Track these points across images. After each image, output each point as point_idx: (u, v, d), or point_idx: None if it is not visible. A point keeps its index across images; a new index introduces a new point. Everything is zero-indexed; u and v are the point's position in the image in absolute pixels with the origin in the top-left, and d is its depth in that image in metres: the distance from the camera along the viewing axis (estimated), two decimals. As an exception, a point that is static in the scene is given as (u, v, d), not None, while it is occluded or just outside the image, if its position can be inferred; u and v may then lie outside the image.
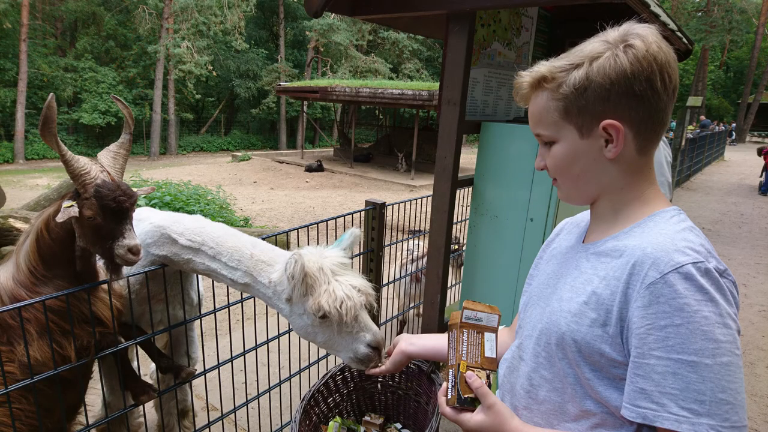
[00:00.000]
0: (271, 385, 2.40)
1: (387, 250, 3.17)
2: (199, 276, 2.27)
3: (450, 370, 1.09)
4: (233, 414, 2.43)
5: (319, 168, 18.18)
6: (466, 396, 1.02)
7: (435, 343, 1.46)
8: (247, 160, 21.22)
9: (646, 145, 0.96)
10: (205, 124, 30.27)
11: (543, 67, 0.97)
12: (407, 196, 13.29)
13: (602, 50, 0.92)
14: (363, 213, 2.52)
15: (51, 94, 1.50)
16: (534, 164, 1.44)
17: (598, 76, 0.91)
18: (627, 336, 0.89)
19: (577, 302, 0.97)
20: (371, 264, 2.54)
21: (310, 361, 2.58)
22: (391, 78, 27.85)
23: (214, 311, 2.11)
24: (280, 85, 19.35)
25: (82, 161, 1.58)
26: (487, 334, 1.12)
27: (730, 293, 0.87)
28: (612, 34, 0.94)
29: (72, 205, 1.56)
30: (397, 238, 4.74)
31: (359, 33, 28.34)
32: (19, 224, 5.98)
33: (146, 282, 1.96)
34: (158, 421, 2.33)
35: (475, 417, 1.00)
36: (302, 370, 2.50)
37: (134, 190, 1.65)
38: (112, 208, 1.56)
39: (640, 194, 1.00)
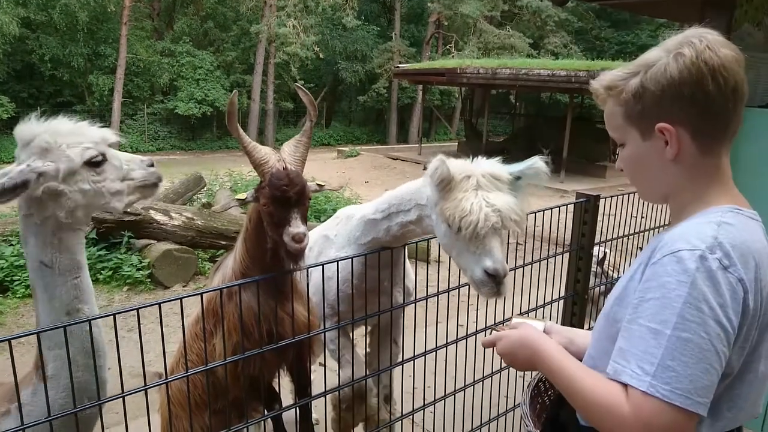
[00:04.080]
0: (456, 388, 2.84)
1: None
2: (408, 267, 2.81)
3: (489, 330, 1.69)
4: (419, 413, 2.91)
5: (442, 166, 18.67)
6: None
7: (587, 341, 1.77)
8: (355, 156, 22.39)
9: (710, 145, 1.26)
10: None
11: (608, 77, 1.34)
12: (556, 203, 13.24)
13: (658, 58, 1.25)
14: (572, 207, 2.92)
15: (234, 91, 2.05)
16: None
17: (651, 83, 1.24)
18: None
19: (621, 286, 1.36)
20: (579, 263, 2.94)
21: (501, 366, 2.99)
22: (530, 55, 27.75)
23: (425, 298, 2.63)
24: (398, 67, 20.27)
25: (263, 152, 2.03)
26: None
27: (728, 287, 1.14)
28: (671, 41, 1.26)
29: (244, 197, 2.05)
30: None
31: (492, 2, 28.62)
32: (158, 216, 7.18)
33: (364, 273, 2.50)
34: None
35: (505, 331, 1.53)
36: (491, 375, 2.89)
37: (305, 180, 2.01)
38: (278, 197, 1.92)
39: (702, 194, 1.29)
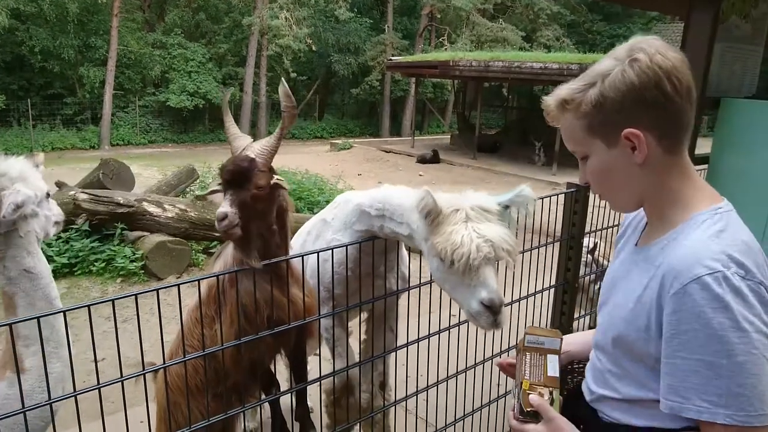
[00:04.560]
0: (449, 375, 2.89)
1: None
2: (404, 253, 2.85)
3: (515, 388, 1.50)
4: (411, 401, 2.96)
5: (434, 159, 18.77)
6: (528, 410, 1.41)
7: (587, 338, 1.78)
8: (348, 149, 22.42)
9: (673, 144, 1.30)
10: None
11: (563, 91, 1.35)
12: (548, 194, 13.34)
13: (612, 67, 1.28)
14: (563, 197, 2.96)
15: (231, 88, 2.13)
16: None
17: (611, 91, 1.27)
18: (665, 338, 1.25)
19: (627, 308, 1.35)
20: (570, 252, 2.98)
21: (493, 354, 3.04)
22: (522, 48, 27.82)
23: (419, 285, 2.67)
24: (390, 60, 20.32)
25: (239, 142, 2.09)
26: (549, 356, 1.48)
27: (754, 294, 1.17)
28: (620, 50, 1.30)
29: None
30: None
31: (485, -6, 28.63)
32: (152, 208, 7.18)
33: (359, 257, 2.55)
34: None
35: (536, 428, 1.40)
36: (482, 362, 2.94)
37: (252, 167, 2.00)
38: (221, 178, 2.03)
39: (677, 194, 1.33)
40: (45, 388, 1.84)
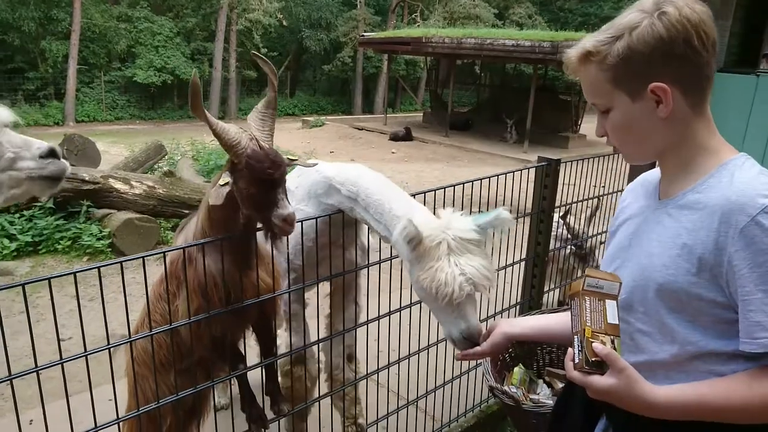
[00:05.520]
0: (420, 348, 2.92)
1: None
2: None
3: (575, 336, 1.35)
4: (383, 374, 2.98)
5: (407, 136, 18.73)
6: (593, 359, 1.29)
7: (539, 323, 1.85)
8: (320, 126, 22.27)
9: (697, 100, 1.29)
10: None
11: (588, 42, 1.32)
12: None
13: (639, 20, 1.25)
14: (534, 171, 2.97)
15: (194, 70, 1.95)
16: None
17: (639, 44, 1.24)
18: (727, 279, 1.22)
19: (669, 255, 1.30)
20: (541, 226, 3.00)
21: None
22: (495, 26, 27.79)
23: (390, 259, 2.66)
24: (363, 36, 20.09)
25: (232, 132, 1.89)
26: (608, 302, 1.36)
27: None
28: (645, 2, 1.27)
29: (226, 183, 1.91)
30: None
31: (458, -30, 28.44)
32: (119, 185, 7.02)
33: (329, 230, 2.52)
34: (326, 362, 2.97)
35: (605, 380, 1.27)
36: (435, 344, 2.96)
37: (284, 158, 1.94)
38: (263, 179, 1.86)
39: (704, 145, 1.33)
40: None
